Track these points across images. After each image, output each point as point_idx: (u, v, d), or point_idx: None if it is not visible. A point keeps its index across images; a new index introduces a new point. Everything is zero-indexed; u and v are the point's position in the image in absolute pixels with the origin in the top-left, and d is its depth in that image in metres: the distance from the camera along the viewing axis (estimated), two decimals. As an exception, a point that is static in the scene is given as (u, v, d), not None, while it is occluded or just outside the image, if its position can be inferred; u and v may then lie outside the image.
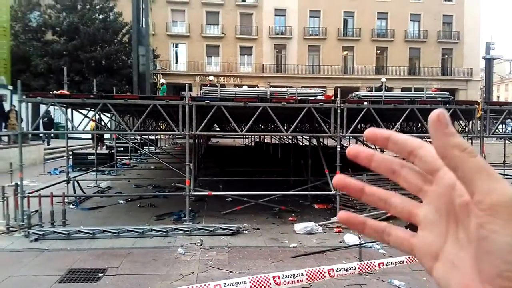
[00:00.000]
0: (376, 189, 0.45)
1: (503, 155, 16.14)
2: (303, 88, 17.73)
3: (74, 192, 11.70)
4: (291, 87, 19.92)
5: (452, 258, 0.38)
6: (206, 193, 10.14)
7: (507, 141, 15.62)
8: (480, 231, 0.34)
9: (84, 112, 11.52)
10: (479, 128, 10.43)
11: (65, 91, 11.39)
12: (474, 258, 0.36)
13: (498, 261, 0.33)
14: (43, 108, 10.08)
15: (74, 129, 10.39)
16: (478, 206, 0.34)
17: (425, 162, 0.40)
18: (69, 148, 13.48)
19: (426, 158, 0.40)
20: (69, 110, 11.17)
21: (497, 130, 11.93)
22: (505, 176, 14.74)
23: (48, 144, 22.67)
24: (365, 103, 9.79)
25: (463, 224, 0.37)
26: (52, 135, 23.69)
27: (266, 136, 23.63)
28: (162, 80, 18.13)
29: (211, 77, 17.88)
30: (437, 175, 0.40)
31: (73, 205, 10.71)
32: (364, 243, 7.55)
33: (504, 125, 17.86)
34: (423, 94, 12.05)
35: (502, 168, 15.50)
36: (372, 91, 18.52)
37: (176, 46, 42.51)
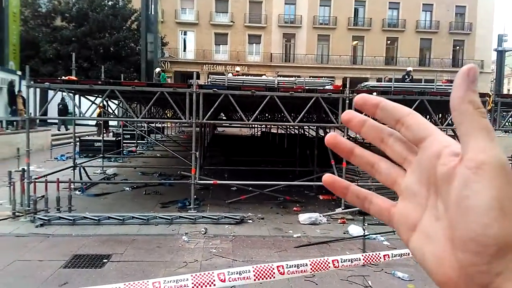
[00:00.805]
0: (366, 152, 0.44)
1: (512, 149, 15.90)
2: (311, 78, 17.58)
3: (81, 178, 11.78)
4: (299, 76, 19.74)
5: (428, 230, 0.37)
6: (211, 181, 10.14)
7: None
8: (463, 191, 0.33)
9: (92, 98, 11.54)
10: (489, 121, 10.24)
11: (73, 77, 11.41)
12: (448, 227, 0.35)
13: (474, 224, 0.32)
14: (51, 93, 10.10)
15: (81, 115, 10.41)
16: (467, 163, 0.33)
17: (412, 130, 0.39)
18: (76, 134, 13.54)
19: (412, 126, 0.39)
20: (77, 97, 11.19)
21: (507, 123, 11.74)
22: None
23: (66, 129, 23.04)
24: (374, 93, 9.65)
25: (442, 194, 0.36)
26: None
27: (272, 126, 23.53)
28: (158, 69, 18.09)
29: (238, 68, 17.91)
30: (423, 145, 0.38)
31: (79, 191, 10.77)
32: (368, 235, 7.51)
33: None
34: (434, 85, 11.87)
35: (511, 162, 15.29)
36: (381, 81, 18.22)
37: (185, 33, 42.34)
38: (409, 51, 42.44)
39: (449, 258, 0.35)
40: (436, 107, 11.84)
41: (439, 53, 42.63)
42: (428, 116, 13.91)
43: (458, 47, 43.66)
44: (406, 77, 15.54)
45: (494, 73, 41.30)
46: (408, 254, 4.90)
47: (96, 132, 22.13)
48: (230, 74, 14.46)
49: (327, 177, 0.45)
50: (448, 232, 0.35)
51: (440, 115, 13.54)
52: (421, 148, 0.38)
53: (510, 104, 10.65)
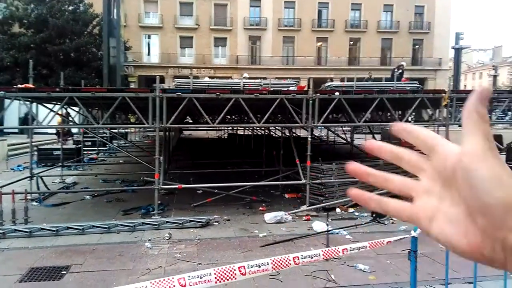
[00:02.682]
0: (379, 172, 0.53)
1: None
2: (277, 79, 17.67)
3: (38, 189, 11.32)
4: (265, 78, 19.82)
5: (449, 215, 0.45)
6: (176, 186, 9.98)
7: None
8: (468, 173, 0.42)
9: (50, 106, 11.12)
10: (445, 116, 10.62)
11: (30, 85, 10.95)
12: (465, 206, 0.43)
13: (482, 193, 0.40)
14: (7, 102, 9.67)
15: (38, 123, 10.03)
16: (465, 153, 0.42)
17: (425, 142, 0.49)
18: (35, 143, 13.02)
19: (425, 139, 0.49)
20: (34, 105, 10.78)
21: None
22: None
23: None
24: (337, 93, 9.79)
25: (453, 183, 0.44)
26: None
27: (239, 128, 23.52)
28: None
29: (245, 74, 17.88)
30: (433, 152, 0.47)
31: (36, 202, 10.34)
32: (332, 230, 7.61)
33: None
34: (393, 84, 12.18)
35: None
36: (344, 81, 18.49)
37: (149, 37, 41.71)
38: (371, 51, 43.50)
39: (472, 229, 0.43)
40: (396, 105, 12.16)
41: (400, 52, 43.86)
42: (389, 113, 14.27)
43: (417, 46, 45.12)
44: (396, 70, 15.55)
45: (452, 70, 42.87)
46: (366, 247, 4.97)
47: (57, 140, 21.39)
48: (206, 78, 14.31)
49: (352, 191, 0.53)
50: (466, 210, 0.43)
51: (400, 112, 13.92)
52: (433, 154, 0.47)
53: (465, 99, 11.02)
